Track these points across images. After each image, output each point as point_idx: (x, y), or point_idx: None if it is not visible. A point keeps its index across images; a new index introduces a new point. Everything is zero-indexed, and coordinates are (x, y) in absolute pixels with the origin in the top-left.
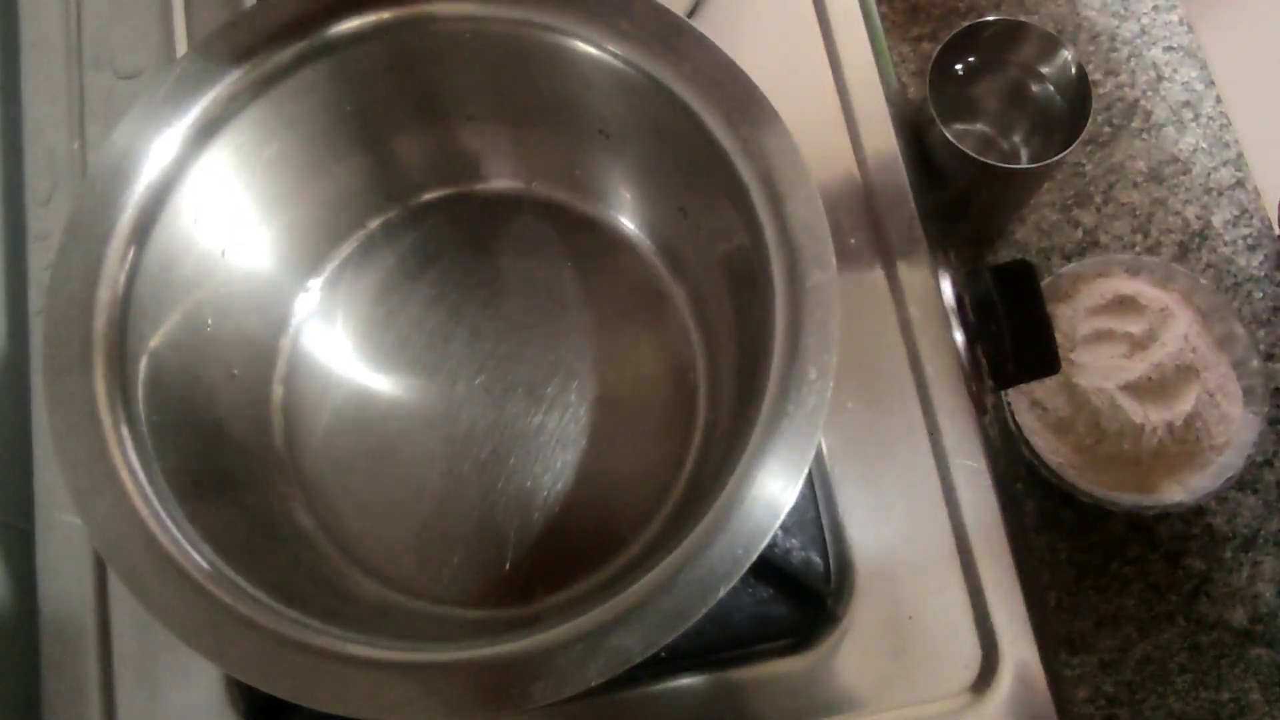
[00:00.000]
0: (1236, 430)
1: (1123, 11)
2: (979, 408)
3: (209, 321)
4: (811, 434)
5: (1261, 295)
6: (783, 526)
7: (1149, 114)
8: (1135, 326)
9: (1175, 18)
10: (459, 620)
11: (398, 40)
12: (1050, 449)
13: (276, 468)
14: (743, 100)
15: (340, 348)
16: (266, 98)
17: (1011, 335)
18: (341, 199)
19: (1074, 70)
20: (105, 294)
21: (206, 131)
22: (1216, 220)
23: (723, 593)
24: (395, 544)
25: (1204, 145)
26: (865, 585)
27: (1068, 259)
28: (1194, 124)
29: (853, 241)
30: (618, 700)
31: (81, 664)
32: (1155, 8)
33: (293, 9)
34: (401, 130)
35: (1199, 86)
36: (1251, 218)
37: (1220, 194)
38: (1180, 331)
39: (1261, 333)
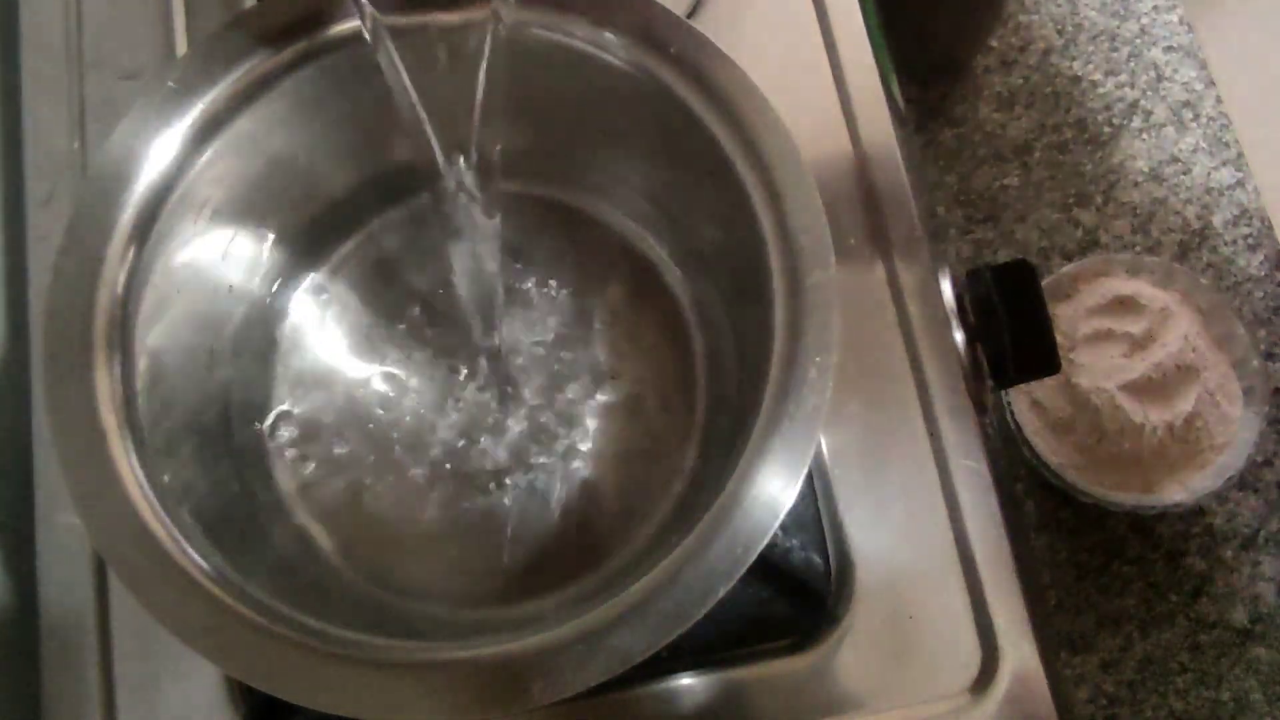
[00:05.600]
0: (1237, 430)
1: (1123, 11)
2: (979, 408)
3: (209, 321)
4: (811, 434)
5: (1261, 295)
6: (783, 526)
7: (1149, 114)
8: (1135, 326)
9: (1175, 18)
10: (458, 619)
11: (398, 41)
12: (1050, 449)
13: (275, 466)
14: (742, 100)
15: (339, 345)
16: (267, 98)
17: (1011, 335)
18: (342, 197)
19: None
20: (105, 294)
21: (207, 131)
22: (1216, 220)
23: (723, 593)
24: (394, 541)
25: (1204, 145)
26: (865, 585)
27: (1068, 259)
28: (1194, 124)
29: (853, 241)
30: (618, 700)
31: (81, 664)
32: (1155, 8)
33: (293, 9)
34: (401, 130)
35: (1199, 86)
36: (1251, 218)
37: (1220, 194)
38: (1180, 331)
39: (1262, 333)
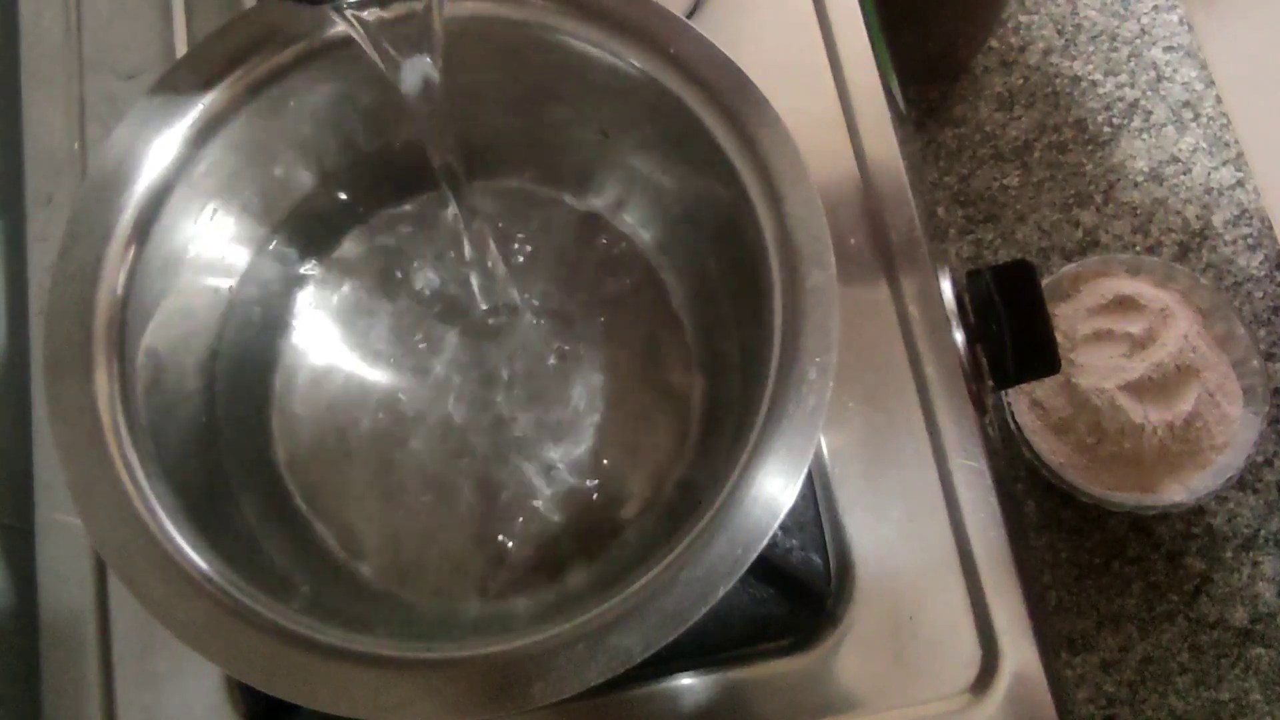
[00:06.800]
0: (1236, 430)
1: (1123, 11)
2: (979, 408)
3: (209, 319)
4: (811, 434)
5: (1261, 295)
6: (783, 526)
7: (1149, 114)
8: (1135, 326)
9: (1175, 18)
10: (456, 614)
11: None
12: (1050, 449)
13: (275, 463)
14: (742, 100)
15: (338, 342)
16: (266, 97)
17: (1011, 335)
18: (341, 195)
19: None
20: (105, 294)
21: (206, 131)
22: (1216, 220)
23: (723, 593)
24: (392, 537)
25: (1204, 145)
26: (865, 585)
27: (1068, 259)
28: (1194, 124)
29: (853, 241)
30: (618, 700)
31: (81, 664)
32: (1155, 8)
33: (293, 9)
34: (401, 128)
35: (1199, 86)
36: (1251, 218)
37: (1220, 194)
38: (1180, 331)
39: (1262, 332)
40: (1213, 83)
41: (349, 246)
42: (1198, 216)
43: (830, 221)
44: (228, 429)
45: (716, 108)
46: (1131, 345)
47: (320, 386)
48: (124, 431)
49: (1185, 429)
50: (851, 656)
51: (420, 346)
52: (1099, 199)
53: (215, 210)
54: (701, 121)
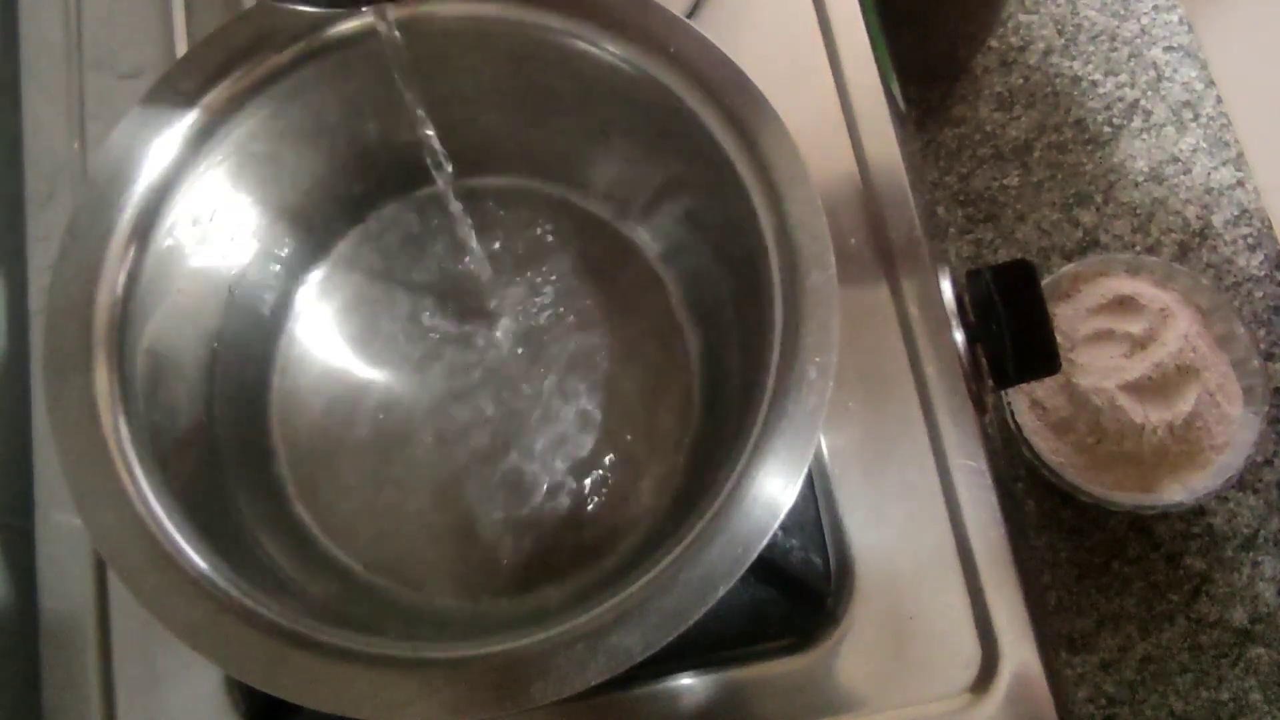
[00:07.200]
0: (1236, 430)
1: (1123, 11)
2: (979, 408)
3: (208, 319)
4: (811, 434)
5: (1261, 295)
6: (783, 526)
7: (1149, 114)
8: (1135, 326)
9: (1175, 18)
10: (457, 614)
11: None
12: (1050, 449)
13: (274, 463)
14: (742, 100)
15: (338, 341)
16: (266, 97)
17: (1011, 335)
18: (341, 195)
19: None
20: (105, 294)
21: (206, 131)
22: (1216, 220)
23: (722, 592)
24: (392, 537)
25: (1204, 145)
26: (865, 585)
27: (1068, 259)
28: (1194, 124)
29: (853, 241)
30: (618, 700)
31: (81, 664)
32: (1155, 8)
33: (292, 10)
34: (401, 128)
35: (1199, 86)
36: (1251, 218)
37: (1220, 194)
38: (1180, 331)
39: (1261, 332)
40: (1213, 83)
41: (347, 245)
42: (1198, 216)
43: (830, 221)
44: (227, 428)
45: (716, 108)
46: (1131, 345)
47: (319, 385)
48: (124, 431)
49: (1185, 429)
50: (852, 656)
51: (419, 345)
52: (1099, 199)
53: (215, 210)
54: (701, 121)
